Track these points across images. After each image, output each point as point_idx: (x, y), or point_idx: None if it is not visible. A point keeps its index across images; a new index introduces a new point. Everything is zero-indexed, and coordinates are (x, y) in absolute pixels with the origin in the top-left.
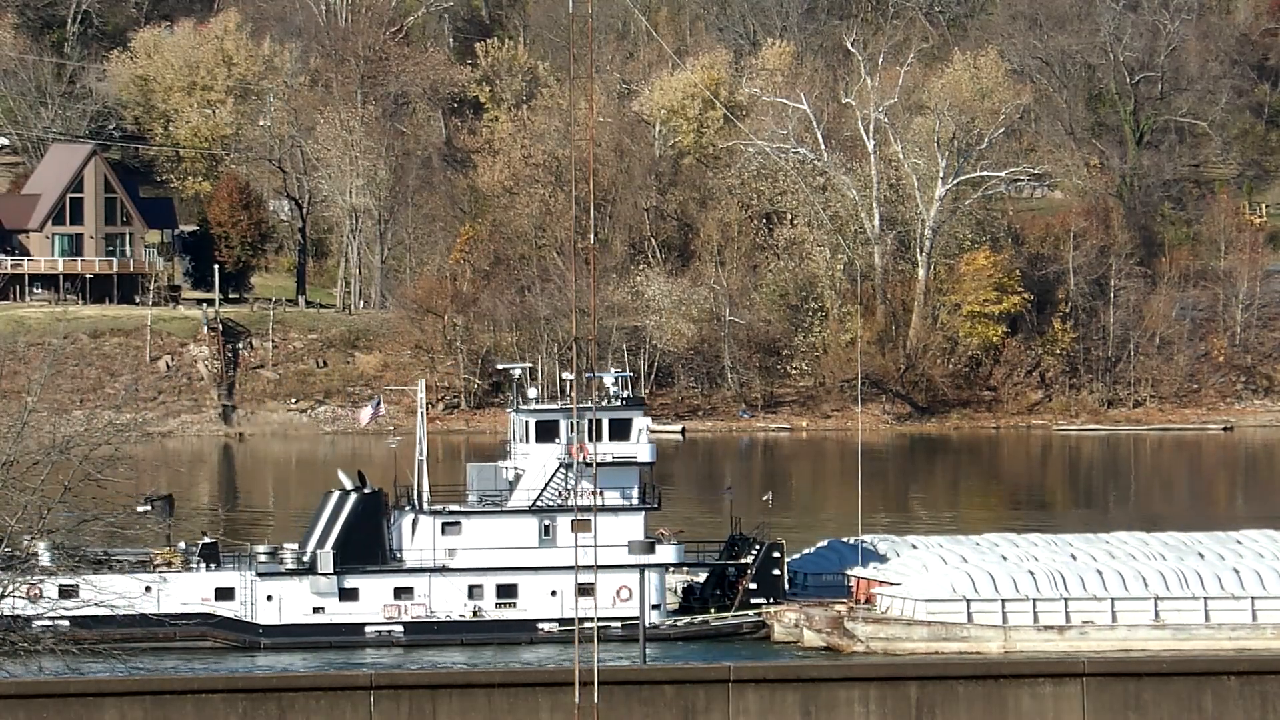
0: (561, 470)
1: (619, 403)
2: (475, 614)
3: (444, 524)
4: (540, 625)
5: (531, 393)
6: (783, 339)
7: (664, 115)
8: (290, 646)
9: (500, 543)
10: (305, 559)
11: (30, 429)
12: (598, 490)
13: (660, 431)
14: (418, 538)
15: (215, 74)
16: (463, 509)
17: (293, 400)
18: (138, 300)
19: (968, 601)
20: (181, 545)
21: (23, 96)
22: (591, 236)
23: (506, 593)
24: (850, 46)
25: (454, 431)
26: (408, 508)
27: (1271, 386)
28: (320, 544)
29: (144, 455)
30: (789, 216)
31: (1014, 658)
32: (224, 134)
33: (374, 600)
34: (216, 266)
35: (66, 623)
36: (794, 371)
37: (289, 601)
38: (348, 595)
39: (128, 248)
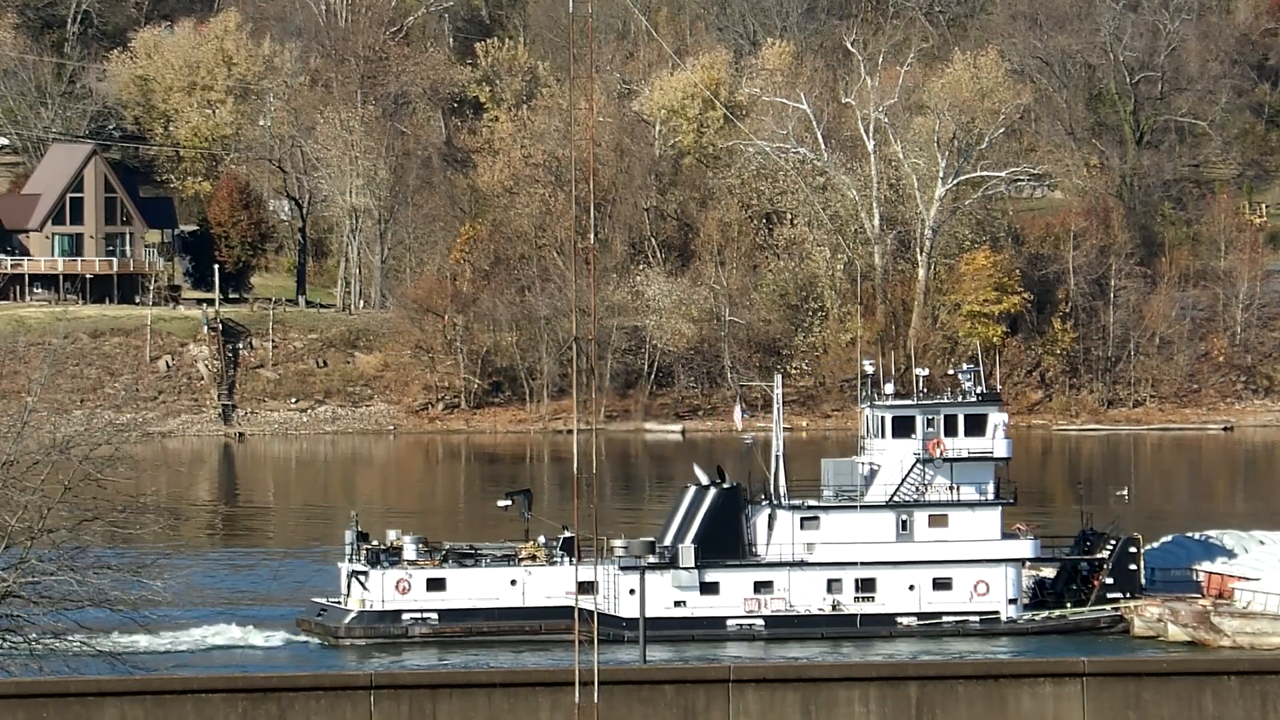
0: (918, 465)
1: (975, 398)
2: (834, 608)
3: (802, 519)
4: (899, 619)
5: (888, 388)
6: (783, 339)
7: (664, 115)
8: (652, 639)
9: (858, 537)
10: (666, 553)
11: (30, 429)
12: (954, 486)
13: (660, 431)
14: (776, 532)
15: (215, 74)
16: (820, 504)
17: (293, 400)
18: (138, 300)
19: None
20: (541, 539)
21: (23, 96)
22: (591, 236)
23: (865, 587)
24: (850, 46)
25: (454, 431)
26: (765, 502)
27: (1271, 386)
28: (680, 538)
29: (144, 455)
30: (789, 216)
31: (1014, 658)
32: (224, 134)
33: (734, 594)
34: (216, 266)
35: (435, 615)
36: (794, 371)
37: (651, 595)
38: (709, 589)
39: (128, 248)
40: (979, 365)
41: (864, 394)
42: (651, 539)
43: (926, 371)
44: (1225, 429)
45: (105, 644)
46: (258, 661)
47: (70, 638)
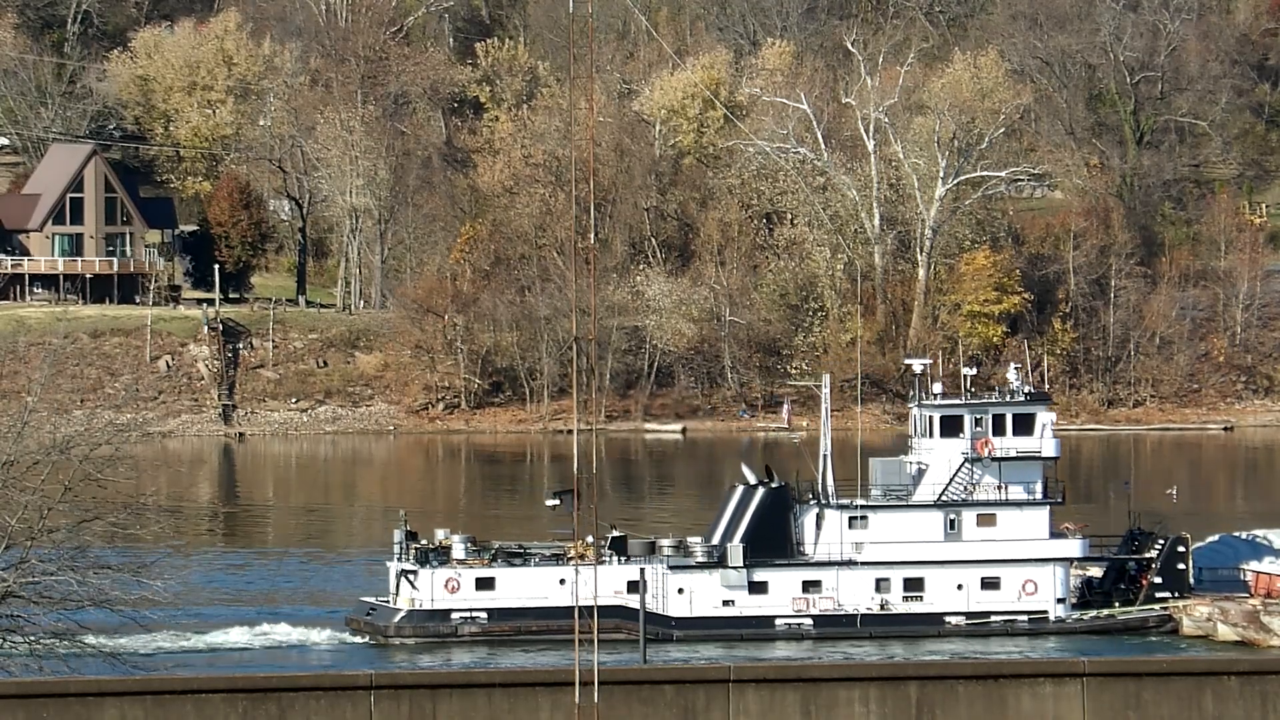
0: (966, 464)
1: (1023, 397)
2: (883, 607)
3: (851, 518)
4: (947, 619)
5: (936, 388)
6: (783, 339)
7: (664, 115)
8: (701, 638)
9: (906, 537)
10: (714, 553)
11: (30, 429)
12: (1002, 485)
13: (660, 431)
14: (824, 531)
15: (215, 74)
16: (869, 503)
17: (293, 400)
18: (138, 300)
19: None
20: (588, 539)
21: (23, 96)
22: (591, 236)
23: (913, 586)
24: (850, 46)
25: (454, 431)
26: (813, 502)
27: (1271, 386)
28: (728, 537)
29: (144, 455)
30: (789, 216)
31: (1014, 658)
32: (224, 134)
33: (783, 593)
34: (216, 266)
35: (485, 614)
36: (794, 371)
37: (699, 594)
38: (757, 588)
39: (128, 248)
40: (1025, 366)
41: (911, 393)
42: (651, 539)
43: (975, 370)
44: (1225, 429)
45: (106, 644)
46: (263, 661)
47: (71, 638)
